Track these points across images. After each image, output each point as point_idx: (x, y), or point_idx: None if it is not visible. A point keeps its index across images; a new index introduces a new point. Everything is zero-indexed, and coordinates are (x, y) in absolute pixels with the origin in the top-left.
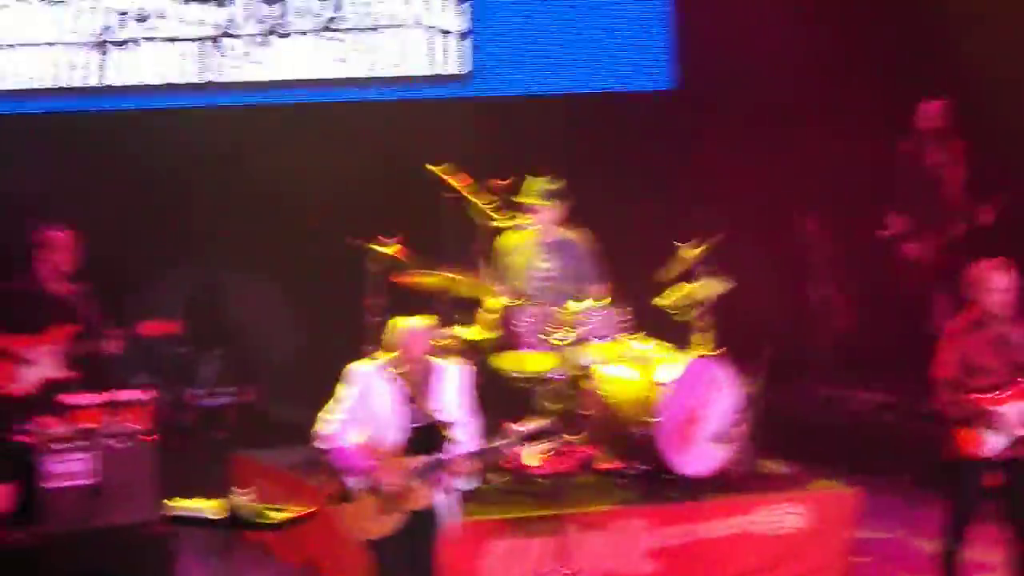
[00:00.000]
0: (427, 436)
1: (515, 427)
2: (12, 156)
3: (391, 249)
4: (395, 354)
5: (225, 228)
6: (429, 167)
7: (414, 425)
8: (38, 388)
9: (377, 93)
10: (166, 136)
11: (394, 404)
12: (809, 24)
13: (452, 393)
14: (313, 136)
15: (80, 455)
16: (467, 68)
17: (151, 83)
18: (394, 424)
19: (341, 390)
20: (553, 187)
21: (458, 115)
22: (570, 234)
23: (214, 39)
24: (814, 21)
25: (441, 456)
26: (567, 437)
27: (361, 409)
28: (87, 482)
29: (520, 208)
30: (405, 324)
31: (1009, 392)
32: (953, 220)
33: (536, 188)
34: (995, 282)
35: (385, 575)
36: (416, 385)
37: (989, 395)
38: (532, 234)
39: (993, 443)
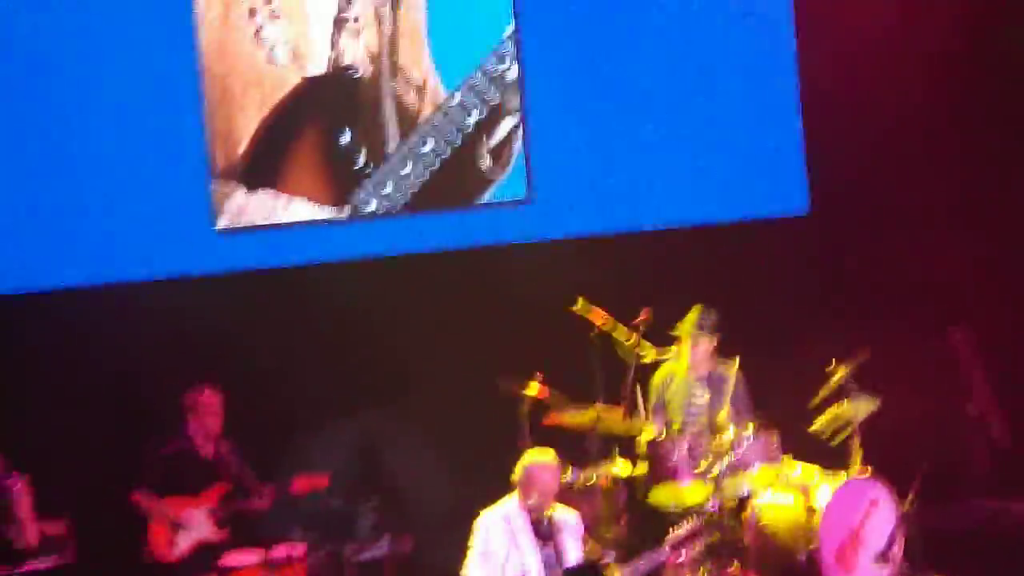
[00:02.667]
0: None
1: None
2: (158, 319)
3: (537, 389)
4: (522, 493)
5: (373, 378)
6: (575, 305)
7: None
8: (194, 551)
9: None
10: (309, 290)
11: (512, 549)
12: (945, 135)
13: (573, 539)
14: (453, 281)
15: None
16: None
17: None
18: (520, 568)
19: (472, 540)
20: (705, 319)
21: (596, 251)
22: (722, 364)
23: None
24: (950, 131)
25: None
26: (729, 570)
27: (485, 560)
28: None
29: (672, 341)
30: (531, 460)
31: None
32: None
33: (688, 320)
34: None
35: None
36: (545, 524)
37: None
38: (684, 366)
39: None
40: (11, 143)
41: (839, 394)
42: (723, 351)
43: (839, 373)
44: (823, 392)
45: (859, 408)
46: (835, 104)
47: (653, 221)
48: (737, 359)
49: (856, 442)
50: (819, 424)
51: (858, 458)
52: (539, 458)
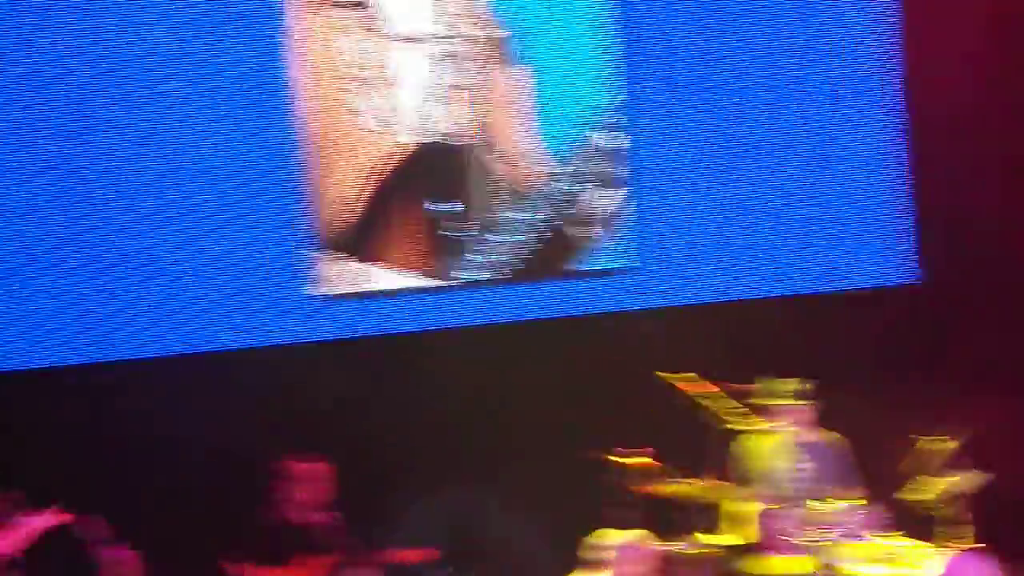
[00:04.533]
0: None
1: None
2: (259, 387)
3: (634, 459)
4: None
5: (474, 447)
6: (680, 376)
7: None
8: None
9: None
10: (411, 359)
11: None
12: None
13: None
14: (556, 349)
15: None
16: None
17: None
18: None
19: None
20: (804, 388)
21: (702, 320)
22: (822, 434)
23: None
24: None
25: None
26: None
27: None
28: None
29: (769, 410)
30: (615, 539)
31: None
32: None
33: (786, 389)
34: None
35: None
36: None
37: None
38: (783, 436)
39: None
40: (117, 212)
41: (950, 467)
42: (829, 422)
43: (948, 446)
44: (933, 465)
45: (970, 482)
46: (948, 168)
47: (760, 291)
48: (837, 430)
49: (967, 517)
50: (924, 495)
51: (966, 532)
52: (630, 537)
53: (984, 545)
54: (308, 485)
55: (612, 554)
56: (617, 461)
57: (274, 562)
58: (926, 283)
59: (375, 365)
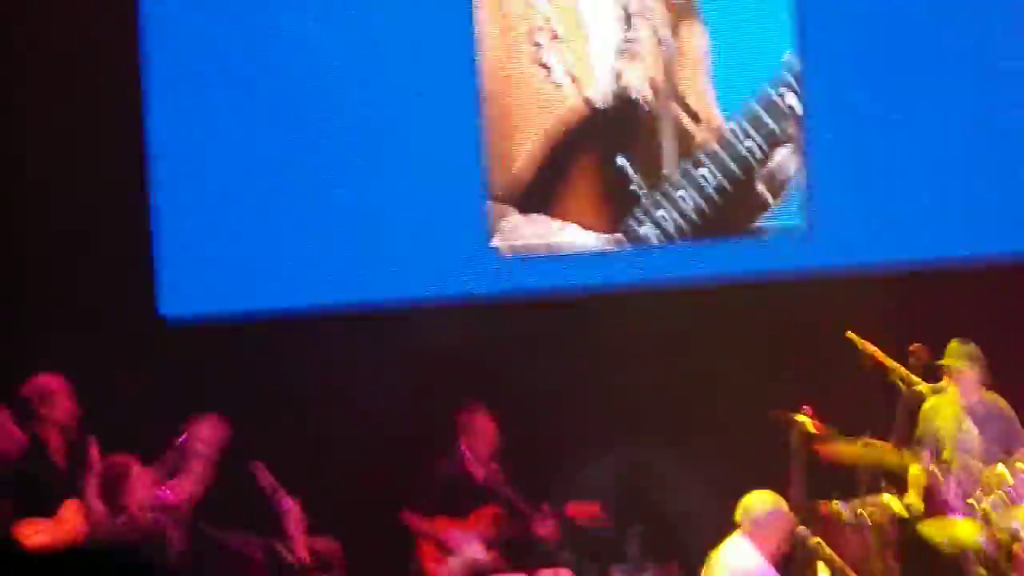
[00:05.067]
0: None
1: None
2: (433, 339)
3: (807, 421)
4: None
5: (643, 406)
6: (849, 335)
7: None
8: (465, 573)
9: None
10: (583, 316)
11: None
12: None
13: None
14: (727, 309)
15: None
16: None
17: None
18: None
19: None
20: (970, 350)
21: (873, 282)
22: (992, 397)
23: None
24: None
25: None
26: None
27: None
28: None
29: (943, 372)
30: (774, 503)
31: None
32: None
33: (959, 351)
34: None
35: None
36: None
37: None
38: (955, 398)
39: None
40: (294, 163)
41: None
42: (997, 386)
43: None
44: None
45: None
46: None
47: (933, 252)
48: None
49: None
50: None
51: None
52: (779, 502)
53: None
54: (476, 437)
55: (764, 519)
56: (786, 421)
57: (440, 512)
58: None
59: (553, 321)
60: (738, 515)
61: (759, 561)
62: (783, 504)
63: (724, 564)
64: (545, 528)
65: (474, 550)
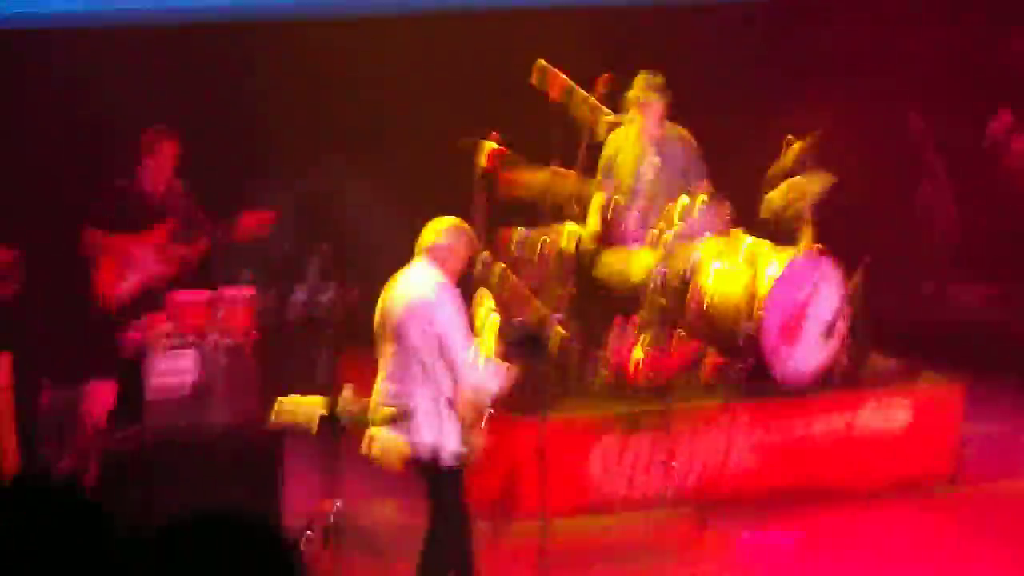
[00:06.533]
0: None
1: None
2: (122, 59)
3: (493, 147)
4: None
5: (333, 128)
6: (540, 64)
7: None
8: (142, 287)
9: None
10: (277, 40)
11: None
12: None
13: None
14: (420, 41)
15: (186, 353)
16: None
17: None
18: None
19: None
20: (653, 81)
21: (562, 18)
22: (675, 130)
23: None
24: None
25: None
26: (673, 338)
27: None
28: (192, 380)
29: (627, 104)
30: (451, 227)
31: None
32: None
33: (643, 82)
34: None
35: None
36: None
37: None
38: (639, 130)
39: None
40: None
41: (795, 169)
42: (684, 121)
43: (796, 147)
44: (779, 165)
45: (813, 184)
46: None
47: None
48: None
49: (808, 218)
50: (772, 197)
51: (809, 234)
52: (462, 227)
53: (823, 247)
54: (157, 155)
55: (444, 241)
56: (472, 148)
57: (118, 228)
58: None
59: (242, 45)
60: (422, 239)
61: (440, 283)
62: (466, 229)
63: (406, 285)
64: (220, 241)
65: (151, 263)
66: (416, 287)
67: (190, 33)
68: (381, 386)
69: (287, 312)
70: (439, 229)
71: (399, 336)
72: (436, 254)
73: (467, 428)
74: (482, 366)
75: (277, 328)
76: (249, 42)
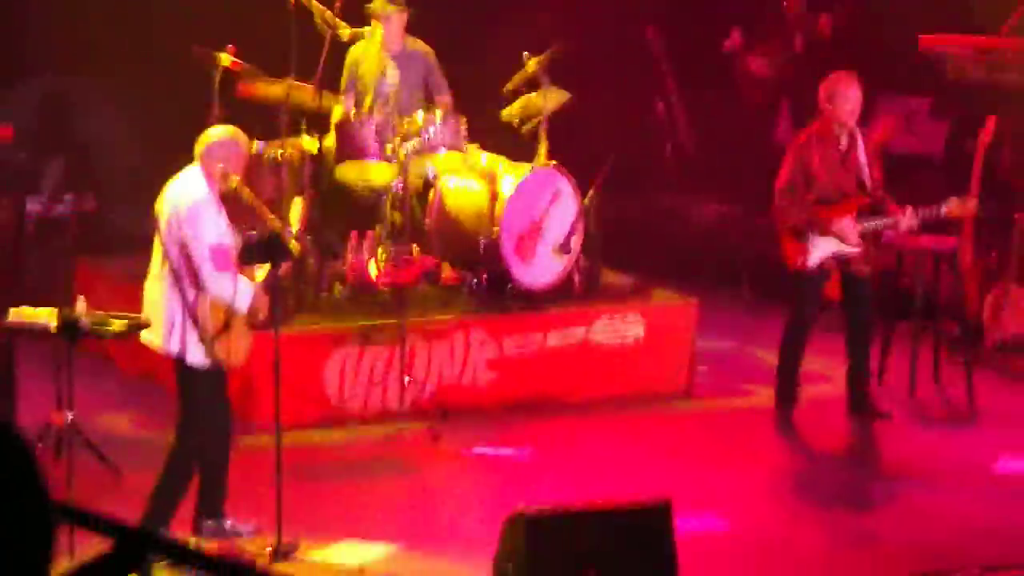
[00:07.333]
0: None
1: None
2: None
3: (229, 59)
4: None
5: (68, 40)
6: None
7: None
8: None
9: None
10: None
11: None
12: None
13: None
14: None
15: None
16: None
17: None
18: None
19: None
20: None
21: None
22: (415, 44)
23: None
24: None
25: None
26: (408, 252)
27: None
28: None
29: (368, 16)
30: (218, 135)
31: (843, 205)
32: (793, 33)
33: None
34: (849, 93)
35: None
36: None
37: (824, 206)
38: (378, 43)
39: (818, 254)
40: None
41: (531, 84)
42: (422, 34)
43: (532, 63)
44: (515, 81)
45: (549, 99)
46: None
47: None
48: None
49: (543, 133)
50: (508, 113)
51: (544, 149)
52: (228, 134)
53: (558, 162)
54: None
55: (210, 148)
56: (207, 59)
57: None
58: None
59: None
60: (197, 145)
61: (198, 192)
62: (239, 136)
63: (171, 191)
64: None
65: None
66: (176, 195)
67: None
68: (145, 284)
69: (23, 222)
70: (211, 136)
71: (161, 240)
72: (204, 162)
73: (215, 337)
74: (231, 282)
75: (12, 238)
76: None
